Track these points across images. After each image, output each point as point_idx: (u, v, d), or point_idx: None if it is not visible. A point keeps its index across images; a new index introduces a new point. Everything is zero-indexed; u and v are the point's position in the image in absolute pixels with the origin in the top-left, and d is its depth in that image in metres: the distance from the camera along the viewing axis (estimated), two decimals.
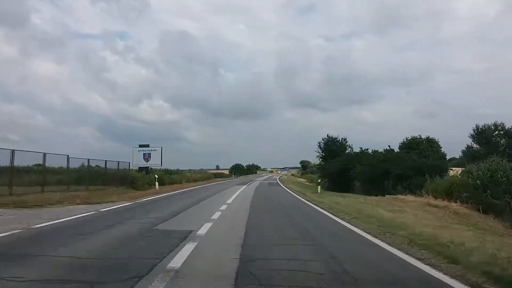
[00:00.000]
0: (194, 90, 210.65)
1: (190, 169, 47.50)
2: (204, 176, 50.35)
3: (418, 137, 36.26)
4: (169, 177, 32.44)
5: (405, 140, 36.65)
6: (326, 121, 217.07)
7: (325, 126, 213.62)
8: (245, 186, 30.62)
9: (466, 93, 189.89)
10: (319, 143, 41.68)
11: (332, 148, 39.85)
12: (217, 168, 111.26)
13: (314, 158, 48.11)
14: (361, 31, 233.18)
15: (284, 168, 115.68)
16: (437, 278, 4.08)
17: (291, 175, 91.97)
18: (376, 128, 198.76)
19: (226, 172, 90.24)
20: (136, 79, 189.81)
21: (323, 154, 40.66)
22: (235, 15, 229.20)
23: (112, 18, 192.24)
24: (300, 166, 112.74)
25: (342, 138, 41.12)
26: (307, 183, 45.82)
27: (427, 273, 4.28)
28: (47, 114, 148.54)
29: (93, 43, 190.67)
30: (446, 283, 3.87)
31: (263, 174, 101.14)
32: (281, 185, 35.65)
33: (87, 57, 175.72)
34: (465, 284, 3.83)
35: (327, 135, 41.74)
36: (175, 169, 44.25)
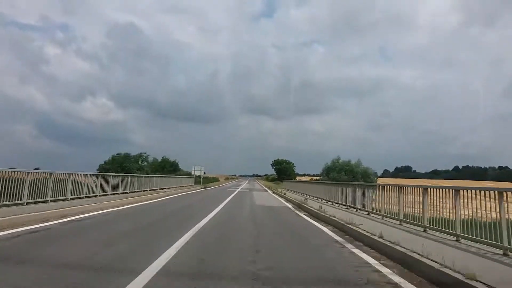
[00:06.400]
0: (141, 90, 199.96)
1: None
2: None
3: None
4: None
5: None
6: (278, 129, 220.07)
7: (276, 134, 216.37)
8: None
9: (411, 108, 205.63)
10: None
11: None
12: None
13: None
14: (317, 40, 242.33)
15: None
16: None
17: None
18: (324, 138, 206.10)
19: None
20: (79, 74, 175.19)
21: None
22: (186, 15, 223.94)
23: (52, 6, 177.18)
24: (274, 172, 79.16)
25: None
26: None
27: None
28: None
29: (30, 33, 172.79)
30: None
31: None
32: None
33: (23, 48, 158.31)
34: None
35: None
36: None
